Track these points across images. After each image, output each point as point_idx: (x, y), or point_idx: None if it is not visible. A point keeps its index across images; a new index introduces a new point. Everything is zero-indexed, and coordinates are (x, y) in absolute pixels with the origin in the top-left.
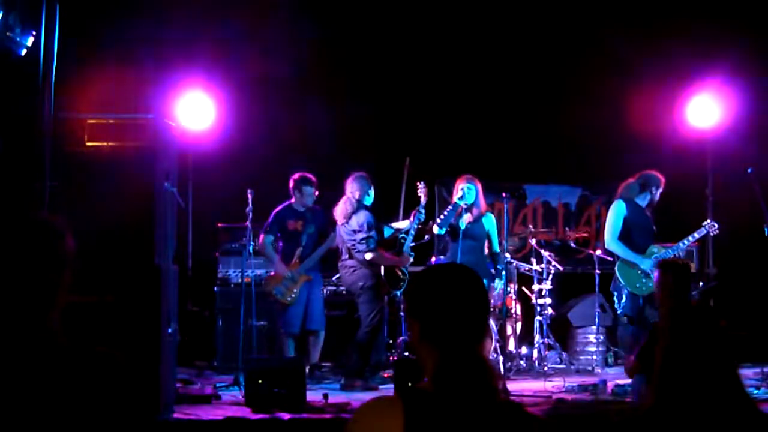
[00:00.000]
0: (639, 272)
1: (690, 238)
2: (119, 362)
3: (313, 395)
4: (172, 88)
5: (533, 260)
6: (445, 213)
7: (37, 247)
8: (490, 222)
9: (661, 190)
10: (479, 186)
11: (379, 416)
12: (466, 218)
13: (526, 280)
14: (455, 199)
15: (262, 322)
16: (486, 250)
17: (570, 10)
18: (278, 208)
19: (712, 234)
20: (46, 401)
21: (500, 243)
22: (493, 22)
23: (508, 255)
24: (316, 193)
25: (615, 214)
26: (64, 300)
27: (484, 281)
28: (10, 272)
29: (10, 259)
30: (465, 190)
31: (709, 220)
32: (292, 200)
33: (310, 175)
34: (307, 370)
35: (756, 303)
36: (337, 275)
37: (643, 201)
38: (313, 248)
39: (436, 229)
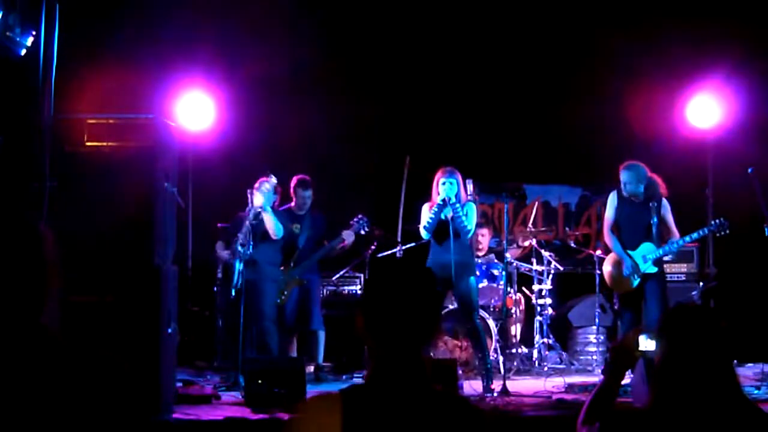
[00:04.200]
0: (621, 268)
1: (687, 238)
2: (118, 365)
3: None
4: (172, 88)
5: (533, 260)
6: (432, 216)
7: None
8: (469, 208)
9: (625, 181)
10: (459, 177)
11: (320, 411)
12: (449, 212)
13: (526, 280)
14: (437, 200)
15: None
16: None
17: (570, 10)
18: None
19: (720, 235)
20: (39, 403)
21: (501, 241)
22: (494, 22)
23: (508, 255)
24: (312, 196)
25: (608, 205)
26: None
27: (471, 279)
28: None
29: None
30: (446, 187)
31: (720, 219)
32: (292, 204)
33: (305, 178)
34: (312, 370)
35: (756, 303)
36: (337, 275)
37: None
38: (309, 252)
39: (423, 233)
